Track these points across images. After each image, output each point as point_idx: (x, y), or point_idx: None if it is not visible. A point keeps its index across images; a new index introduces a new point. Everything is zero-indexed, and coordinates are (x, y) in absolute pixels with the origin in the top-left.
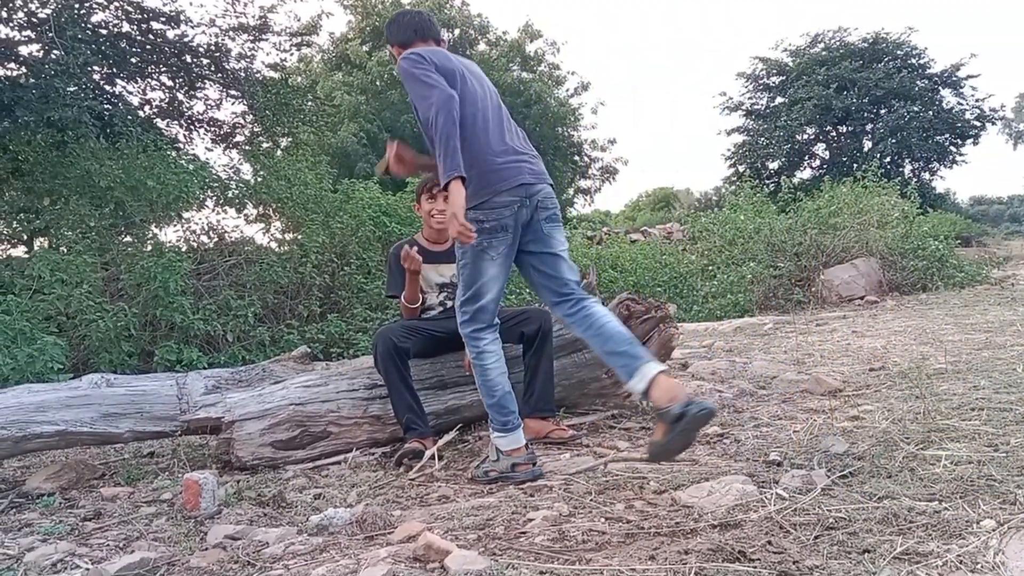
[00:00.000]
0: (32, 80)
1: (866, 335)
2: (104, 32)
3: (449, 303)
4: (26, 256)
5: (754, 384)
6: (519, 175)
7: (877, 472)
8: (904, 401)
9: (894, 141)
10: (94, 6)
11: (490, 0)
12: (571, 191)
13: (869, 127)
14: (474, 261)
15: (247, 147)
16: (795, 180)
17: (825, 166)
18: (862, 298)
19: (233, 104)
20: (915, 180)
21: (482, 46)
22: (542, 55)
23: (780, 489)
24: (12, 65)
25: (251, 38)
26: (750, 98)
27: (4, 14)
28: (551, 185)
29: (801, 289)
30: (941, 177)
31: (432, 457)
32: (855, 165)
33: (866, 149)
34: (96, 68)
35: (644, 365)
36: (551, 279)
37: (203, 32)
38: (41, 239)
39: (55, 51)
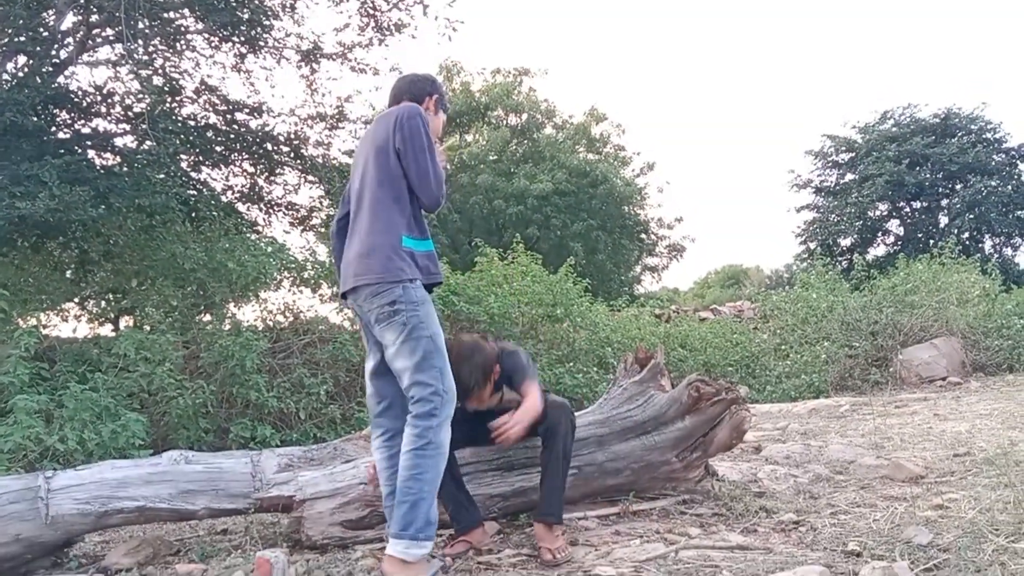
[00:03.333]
0: (125, 169)
1: (949, 418)
2: (192, 123)
3: None
4: (113, 335)
5: (831, 469)
6: (344, 280)
7: (964, 566)
8: (992, 489)
9: (972, 216)
10: (184, 99)
11: (557, 85)
12: (638, 269)
13: (945, 202)
14: None
15: (323, 229)
16: (868, 257)
17: (899, 243)
18: (944, 379)
19: (310, 188)
20: (996, 256)
21: (549, 130)
22: (607, 137)
23: None
24: (108, 155)
25: (328, 126)
26: (819, 175)
27: (104, 109)
28: (390, 282)
29: (878, 369)
30: None
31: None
32: (931, 241)
33: (942, 225)
34: (184, 156)
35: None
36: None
37: (283, 121)
38: (127, 318)
39: (148, 142)
